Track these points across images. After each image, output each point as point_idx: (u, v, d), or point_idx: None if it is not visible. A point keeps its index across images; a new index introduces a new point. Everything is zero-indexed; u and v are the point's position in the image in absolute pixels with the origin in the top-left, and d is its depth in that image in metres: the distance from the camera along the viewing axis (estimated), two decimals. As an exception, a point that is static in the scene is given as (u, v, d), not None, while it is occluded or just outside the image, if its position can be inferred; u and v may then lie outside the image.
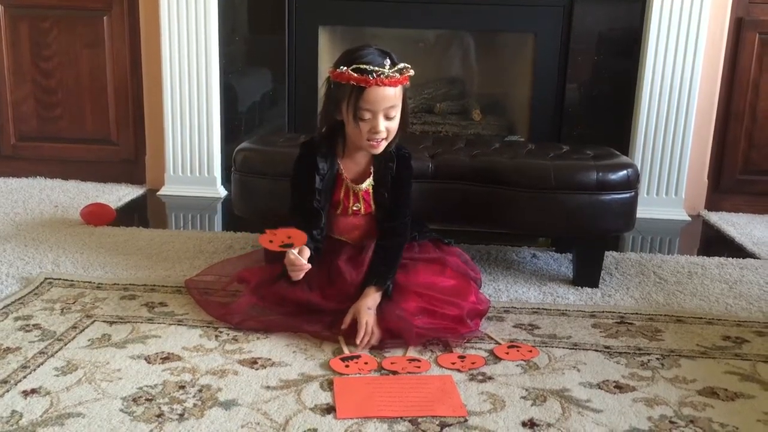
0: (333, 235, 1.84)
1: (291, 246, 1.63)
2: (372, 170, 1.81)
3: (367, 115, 1.68)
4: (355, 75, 1.64)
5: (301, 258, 1.65)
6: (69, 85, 3.21)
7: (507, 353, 1.63)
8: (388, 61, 1.66)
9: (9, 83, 3.22)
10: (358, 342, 1.62)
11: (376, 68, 1.64)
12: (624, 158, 2.16)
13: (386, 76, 1.64)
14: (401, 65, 1.68)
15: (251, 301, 1.77)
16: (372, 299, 1.69)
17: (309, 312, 1.73)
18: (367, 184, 1.81)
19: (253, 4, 3.02)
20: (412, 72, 1.72)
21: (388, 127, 1.70)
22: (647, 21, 2.84)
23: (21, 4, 3.15)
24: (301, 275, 1.67)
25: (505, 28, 3.08)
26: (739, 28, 2.95)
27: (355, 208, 1.82)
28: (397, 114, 1.71)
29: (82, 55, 3.18)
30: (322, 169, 1.77)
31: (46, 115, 3.26)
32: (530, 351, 1.64)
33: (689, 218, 2.96)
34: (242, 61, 3.07)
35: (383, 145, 1.73)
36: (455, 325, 1.69)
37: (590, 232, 2.07)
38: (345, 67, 1.65)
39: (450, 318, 1.70)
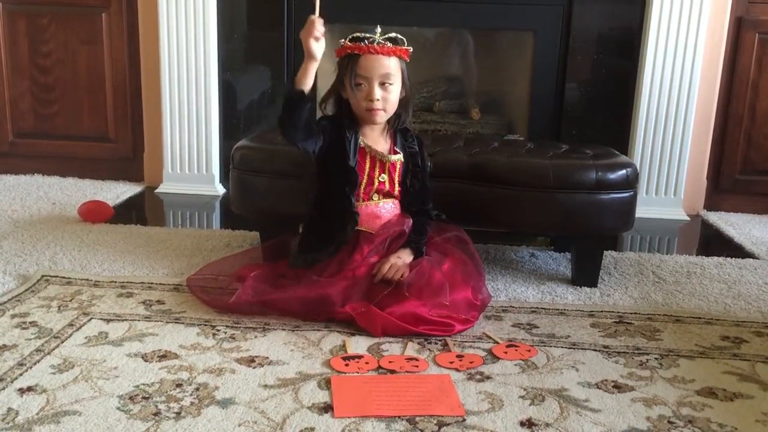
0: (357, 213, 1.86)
1: None
2: (397, 149, 1.89)
3: (363, 81, 1.80)
4: (350, 44, 1.80)
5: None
6: (66, 82, 3.20)
7: (505, 353, 1.62)
8: (378, 29, 1.80)
9: (6, 80, 3.21)
10: (376, 273, 1.77)
11: (368, 35, 1.79)
12: (623, 158, 2.16)
13: (377, 43, 1.78)
14: (393, 35, 1.81)
15: (254, 285, 1.79)
16: (402, 252, 1.82)
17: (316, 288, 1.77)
18: (397, 158, 1.88)
19: (252, 1, 3.01)
20: (409, 47, 1.83)
21: (384, 96, 1.80)
22: (647, 20, 2.83)
23: (19, 0, 3.14)
24: (318, 37, 1.70)
25: (504, 26, 3.07)
26: (738, 27, 2.95)
27: (380, 180, 1.86)
28: (394, 86, 1.81)
29: (80, 52, 3.17)
30: (348, 135, 1.82)
31: (44, 112, 3.25)
32: (529, 350, 1.64)
33: (688, 218, 2.96)
34: (241, 59, 3.07)
35: (381, 115, 1.83)
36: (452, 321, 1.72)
37: (589, 232, 2.06)
38: (343, 41, 1.81)
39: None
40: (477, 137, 2.89)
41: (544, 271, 2.23)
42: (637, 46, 2.89)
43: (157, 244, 2.33)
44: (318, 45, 1.70)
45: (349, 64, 1.79)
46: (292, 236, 2.07)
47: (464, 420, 1.34)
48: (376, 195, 1.87)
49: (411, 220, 1.88)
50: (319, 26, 1.69)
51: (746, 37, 2.95)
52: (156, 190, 3.10)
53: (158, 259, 2.19)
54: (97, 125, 3.24)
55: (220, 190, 3.10)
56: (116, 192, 3.03)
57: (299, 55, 2.95)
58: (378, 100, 1.79)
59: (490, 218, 2.07)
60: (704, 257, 2.41)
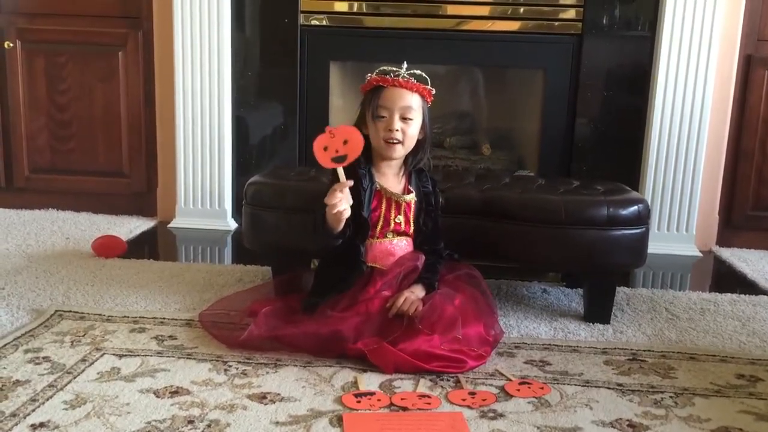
0: (365, 263, 1.87)
1: (343, 160, 1.71)
2: (411, 188, 1.91)
3: (384, 113, 1.82)
4: (376, 76, 1.85)
5: (347, 182, 1.71)
6: (83, 119, 3.25)
7: (518, 390, 1.61)
8: (405, 65, 1.85)
9: (24, 116, 3.26)
10: (390, 307, 1.77)
11: (394, 69, 1.85)
12: (635, 194, 2.16)
13: (402, 77, 1.83)
14: (418, 72, 1.85)
15: (266, 320, 1.79)
16: (414, 287, 1.82)
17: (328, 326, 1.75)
18: (411, 197, 1.89)
19: (265, 39, 3.06)
20: (432, 89, 1.86)
21: (403, 128, 1.83)
22: (656, 57, 2.86)
23: (37, 40, 3.21)
24: (343, 205, 1.70)
25: (514, 63, 3.10)
26: (748, 65, 2.96)
27: (397, 221, 1.87)
28: (414, 121, 1.84)
29: (97, 89, 3.22)
30: (364, 183, 1.83)
31: (60, 148, 3.29)
32: (542, 388, 1.62)
33: (701, 254, 2.95)
34: (254, 95, 3.10)
35: (398, 149, 1.84)
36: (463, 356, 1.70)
37: (601, 268, 2.06)
38: (369, 75, 1.86)
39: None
40: (488, 173, 2.90)
41: (556, 307, 2.22)
42: (646, 82, 2.91)
43: (169, 279, 2.34)
44: (345, 211, 1.71)
45: (373, 97, 1.83)
46: (303, 271, 2.08)
47: (477, 459, 1.33)
48: (390, 233, 1.88)
49: (423, 257, 1.88)
50: (345, 201, 1.70)
51: (756, 74, 2.97)
52: (169, 225, 3.12)
53: (171, 294, 2.20)
54: (112, 161, 3.28)
55: (233, 225, 3.12)
56: (129, 227, 3.05)
57: (311, 91, 3.04)
58: (397, 130, 1.81)
59: (502, 254, 2.07)
60: (717, 294, 2.40)
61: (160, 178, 3.22)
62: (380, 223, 1.86)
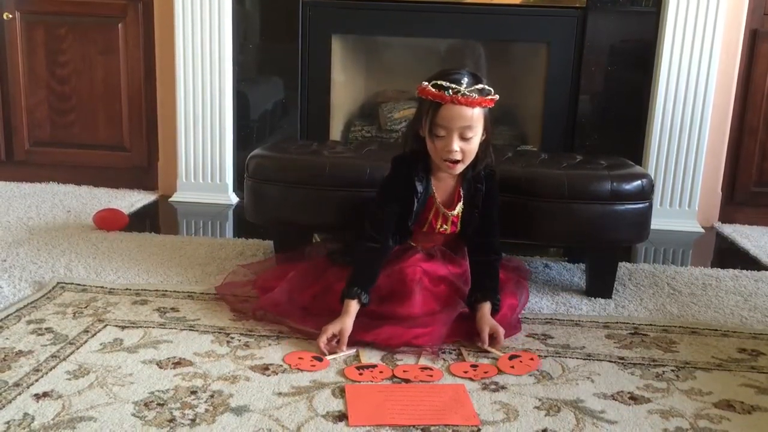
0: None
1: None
2: (462, 194, 1.81)
3: (442, 132, 1.68)
4: (433, 90, 1.67)
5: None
6: (83, 92, 3.23)
7: (512, 367, 1.59)
8: (466, 80, 1.66)
9: (24, 89, 3.24)
10: (487, 346, 1.68)
11: (453, 85, 1.65)
12: (638, 168, 2.15)
13: (462, 95, 1.65)
14: (481, 86, 1.68)
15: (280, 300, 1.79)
16: (488, 310, 1.73)
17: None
18: (459, 209, 1.81)
19: (266, 12, 3.03)
20: (496, 96, 1.72)
21: (463, 148, 1.69)
22: (661, 32, 2.83)
23: (37, 11, 3.17)
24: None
25: (518, 37, 3.08)
26: (753, 39, 2.94)
27: (441, 229, 1.82)
28: (474, 137, 1.70)
29: (97, 62, 3.19)
30: (420, 192, 1.76)
31: (60, 121, 3.27)
32: (531, 359, 1.62)
33: (703, 230, 2.94)
34: (255, 69, 3.08)
35: (460, 167, 1.73)
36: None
37: (604, 243, 2.06)
38: (427, 83, 1.68)
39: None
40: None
41: (558, 281, 2.22)
42: (651, 57, 2.88)
43: (171, 253, 2.34)
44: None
45: (429, 111, 1.68)
46: (307, 247, 2.08)
47: (479, 430, 1.34)
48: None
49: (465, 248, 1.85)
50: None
51: (761, 49, 2.94)
52: (170, 199, 3.12)
53: (172, 267, 2.20)
54: (113, 134, 3.26)
55: (234, 199, 3.11)
56: (131, 200, 3.05)
57: (313, 65, 3.02)
58: (456, 151, 1.68)
59: (504, 229, 2.05)
60: (719, 269, 2.40)
61: (161, 151, 3.20)
62: (425, 227, 1.82)
